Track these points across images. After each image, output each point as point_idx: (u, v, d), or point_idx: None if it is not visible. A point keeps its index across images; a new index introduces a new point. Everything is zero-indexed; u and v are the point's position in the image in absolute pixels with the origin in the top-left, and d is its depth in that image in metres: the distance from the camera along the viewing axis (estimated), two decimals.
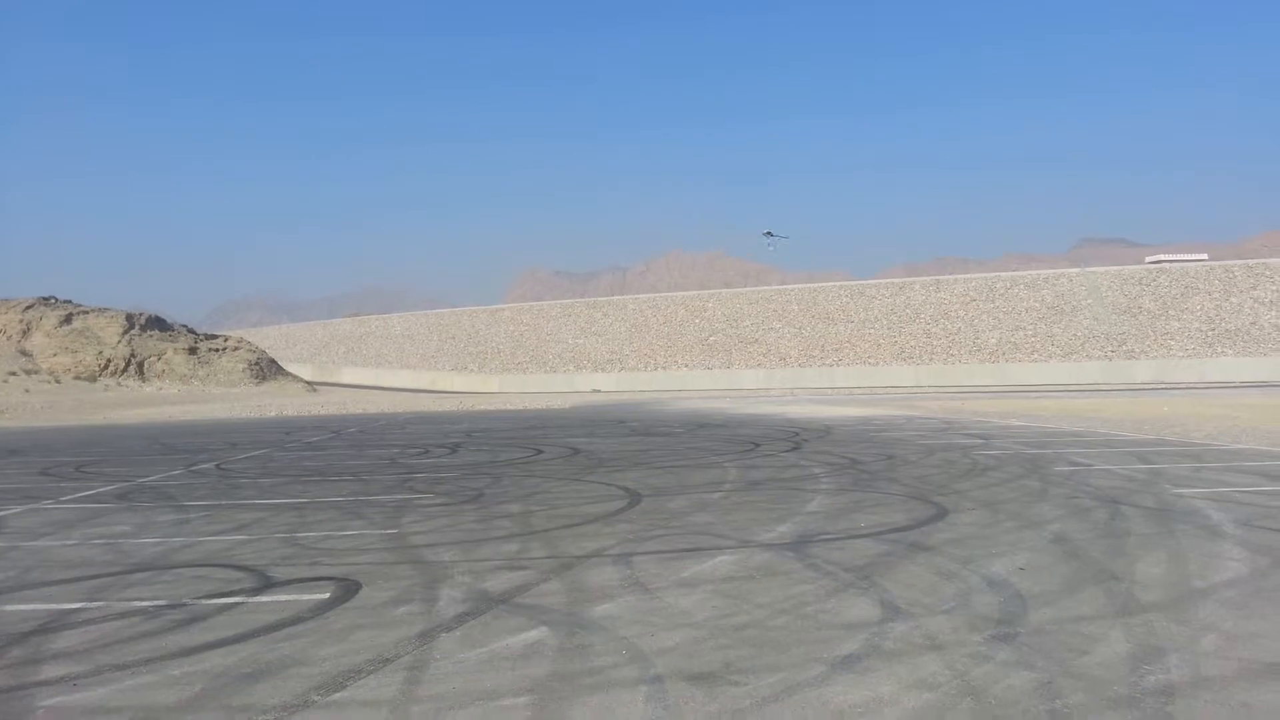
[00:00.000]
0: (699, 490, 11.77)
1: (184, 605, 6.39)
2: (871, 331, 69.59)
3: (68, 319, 64.63)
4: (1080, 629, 5.37)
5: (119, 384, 59.10)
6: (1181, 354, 61.29)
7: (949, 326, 68.43)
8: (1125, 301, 67.00)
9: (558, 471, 14.34)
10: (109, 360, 61.02)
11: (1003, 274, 76.01)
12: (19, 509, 11.54)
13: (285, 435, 24.77)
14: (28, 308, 65.85)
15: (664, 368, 70.94)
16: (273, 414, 38.36)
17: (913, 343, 67.68)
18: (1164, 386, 50.50)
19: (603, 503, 10.86)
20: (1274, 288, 64.35)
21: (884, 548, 7.77)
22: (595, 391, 63.69)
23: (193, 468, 16.26)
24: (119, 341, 63.07)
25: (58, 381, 57.09)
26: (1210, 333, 62.41)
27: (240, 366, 64.57)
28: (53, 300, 68.47)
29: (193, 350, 64.47)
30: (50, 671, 5.04)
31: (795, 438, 19.50)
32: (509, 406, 41.95)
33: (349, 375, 79.08)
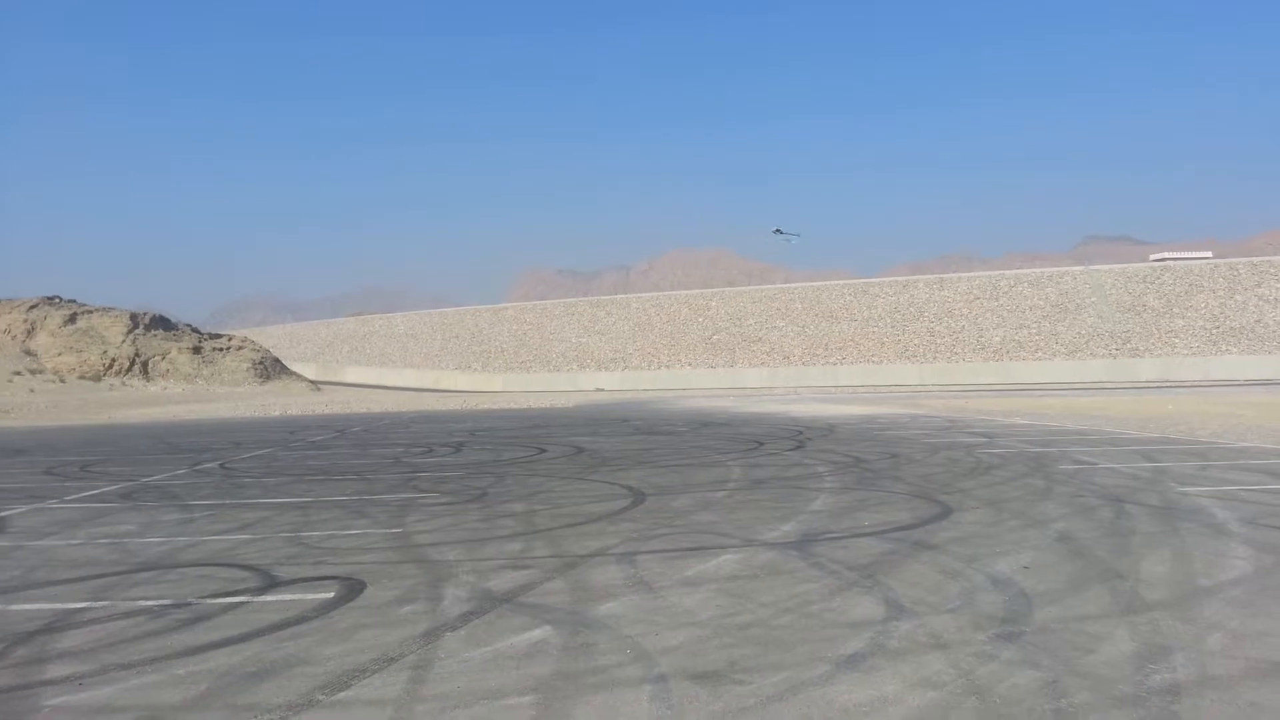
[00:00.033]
0: (703, 489, 11.76)
1: (189, 604, 6.40)
2: (875, 330, 69.53)
3: (72, 319, 64.76)
4: (1085, 628, 5.36)
5: (123, 383, 59.22)
6: (1186, 352, 61.16)
7: (953, 325, 68.35)
8: (1129, 299, 66.88)
9: (561, 470, 14.34)
10: (113, 360, 61.16)
11: (1007, 272, 75.94)
12: (24, 508, 11.56)
13: (289, 434, 24.80)
14: (32, 307, 65.97)
15: (668, 366, 70.93)
16: (277, 413, 38.41)
17: (916, 341, 67.60)
18: (1168, 384, 50.40)
19: (606, 502, 10.86)
20: (1279, 285, 64.21)
21: (888, 546, 7.76)
22: (599, 390, 63.71)
23: (197, 467, 16.28)
24: (123, 341, 63.19)
25: (62, 381, 57.23)
26: (1215, 330, 62.28)
27: (244, 366, 64.67)
28: (57, 300, 68.56)
29: (197, 350, 64.59)
30: (56, 671, 5.05)
31: (799, 436, 19.48)
32: (513, 405, 41.97)
33: (353, 374, 79.17)
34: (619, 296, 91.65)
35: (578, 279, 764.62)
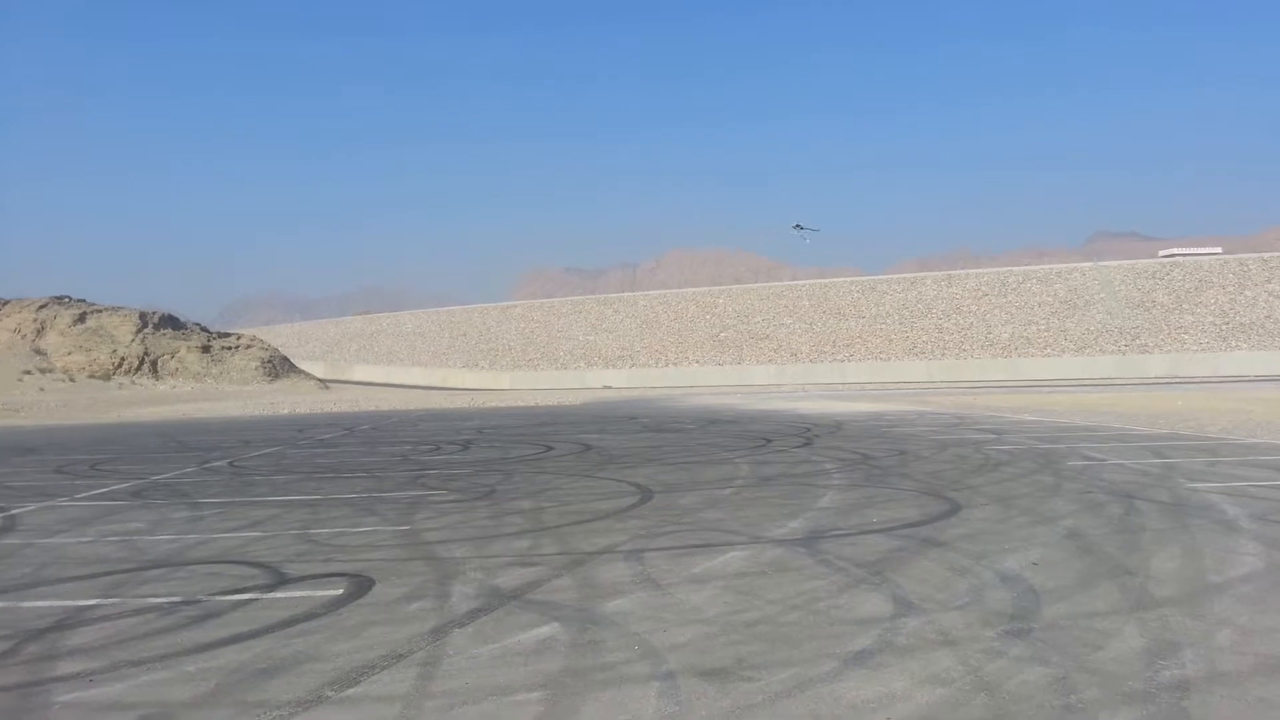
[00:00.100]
0: (710, 486, 11.76)
1: (199, 602, 6.43)
2: (883, 327, 69.38)
3: (81, 318, 65.07)
4: (1094, 624, 5.34)
5: (133, 382, 59.48)
6: (1195, 348, 60.87)
7: (961, 321, 68.17)
8: (1138, 295, 66.61)
9: (569, 468, 14.35)
10: (123, 359, 61.42)
11: (1015, 268, 75.70)
12: (34, 506, 11.62)
13: (298, 433, 24.88)
14: (41, 307, 66.31)
15: (675, 364, 70.90)
16: (285, 411, 38.53)
17: (924, 338, 67.44)
18: (1178, 381, 50.17)
19: (614, 499, 10.86)
20: None
21: (896, 543, 7.75)
22: (606, 388, 63.73)
23: (206, 465, 16.35)
24: (133, 340, 63.47)
25: (72, 380, 57.51)
26: (1224, 326, 61.97)
27: (253, 364, 64.87)
28: (66, 299, 68.89)
29: (206, 348, 64.82)
30: (66, 668, 5.07)
31: (807, 433, 19.46)
32: (520, 403, 42.01)
33: (361, 373, 79.33)
34: (626, 294, 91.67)
35: (584, 277, 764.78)
